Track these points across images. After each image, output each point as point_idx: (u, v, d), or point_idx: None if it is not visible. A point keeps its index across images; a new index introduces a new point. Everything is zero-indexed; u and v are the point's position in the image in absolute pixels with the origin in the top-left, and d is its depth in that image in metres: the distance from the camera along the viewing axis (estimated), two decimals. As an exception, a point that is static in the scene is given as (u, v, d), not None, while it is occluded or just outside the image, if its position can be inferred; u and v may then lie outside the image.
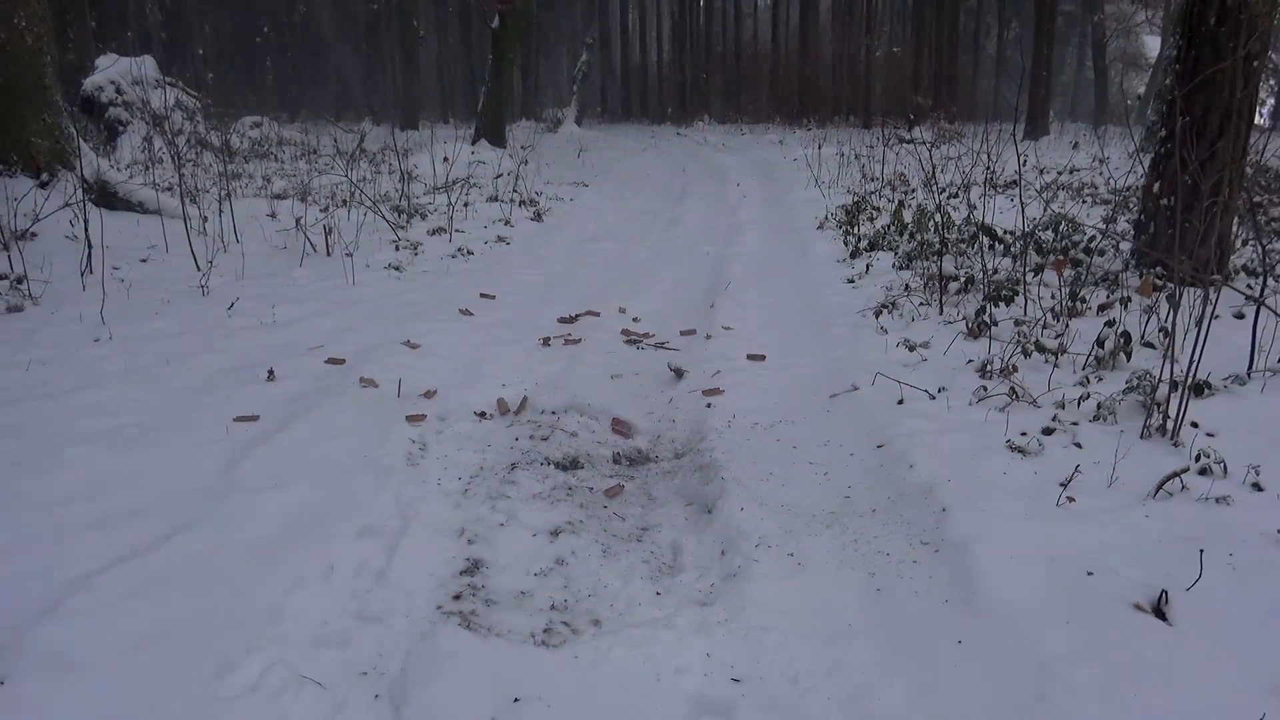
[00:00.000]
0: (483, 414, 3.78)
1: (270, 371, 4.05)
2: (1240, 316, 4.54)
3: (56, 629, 2.14)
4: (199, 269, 5.83)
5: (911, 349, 4.35)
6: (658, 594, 2.51)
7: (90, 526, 2.68)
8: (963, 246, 6.23)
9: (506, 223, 8.45)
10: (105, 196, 7.11)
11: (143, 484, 2.98)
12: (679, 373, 4.29)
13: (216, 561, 2.50)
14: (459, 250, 7.10)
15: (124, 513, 2.77)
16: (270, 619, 2.28)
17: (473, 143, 15.10)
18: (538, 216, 9.02)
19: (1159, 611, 2.27)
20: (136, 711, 1.93)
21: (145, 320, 4.88)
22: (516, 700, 2.03)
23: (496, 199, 9.69)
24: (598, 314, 5.36)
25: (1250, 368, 3.75)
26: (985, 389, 3.75)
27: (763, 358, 4.44)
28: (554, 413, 3.78)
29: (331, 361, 4.29)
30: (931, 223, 6.82)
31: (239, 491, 2.91)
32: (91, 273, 5.61)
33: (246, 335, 4.69)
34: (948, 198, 8.33)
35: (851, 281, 5.99)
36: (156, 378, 4.02)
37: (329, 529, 2.72)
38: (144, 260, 6.19)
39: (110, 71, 12.09)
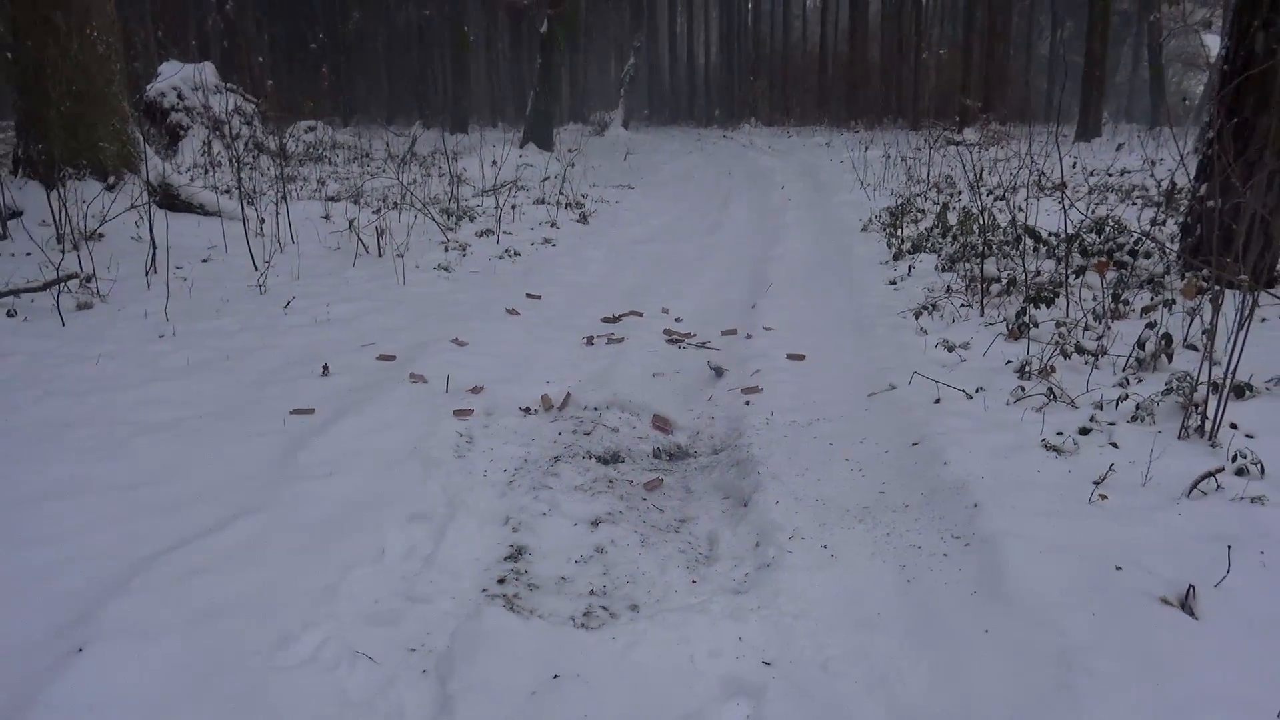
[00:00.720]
0: (527, 409, 3.90)
1: (325, 367, 4.22)
2: (1288, 320, 4.50)
3: (129, 602, 2.29)
4: (257, 269, 6.05)
5: (951, 349, 4.39)
6: (693, 582, 2.60)
7: (157, 509, 2.85)
8: (1006, 249, 6.22)
9: (553, 225, 8.60)
10: (168, 199, 7.38)
11: (206, 471, 3.14)
12: (719, 371, 4.37)
13: (275, 543, 2.65)
14: (506, 251, 7.26)
15: (188, 497, 2.94)
16: (325, 597, 2.41)
17: (520, 146, 15.31)
18: (583, 219, 9.16)
19: (1186, 606, 2.31)
20: (202, 677, 2.07)
21: (206, 317, 5.08)
22: (556, 677, 2.14)
23: (543, 201, 9.84)
24: (641, 314, 5.46)
25: (1294, 370, 3.73)
26: (1023, 389, 3.78)
27: (802, 357, 4.51)
28: (596, 409, 3.89)
29: (383, 358, 4.45)
30: (975, 225, 6.81)
31: (296, 479, 3.06)
32: (155, 272, 5.85)
33: (302, 332, 4.88)
34: (993, 200, 8.30)
35: (893, 283, 6.02)
36: (217, 372, 4.21)
37: (381, 515, 2.85)
38: (205, 260, 6.43)
39: (173, 78, 12.50)
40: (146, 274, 5.83)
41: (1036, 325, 4.55)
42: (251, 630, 2.25)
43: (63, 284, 5.24)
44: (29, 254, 6.05)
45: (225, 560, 2.53)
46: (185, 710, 1.97)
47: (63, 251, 5.98)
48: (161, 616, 2.25)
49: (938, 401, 3.75)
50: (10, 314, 4.94)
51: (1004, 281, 5.37)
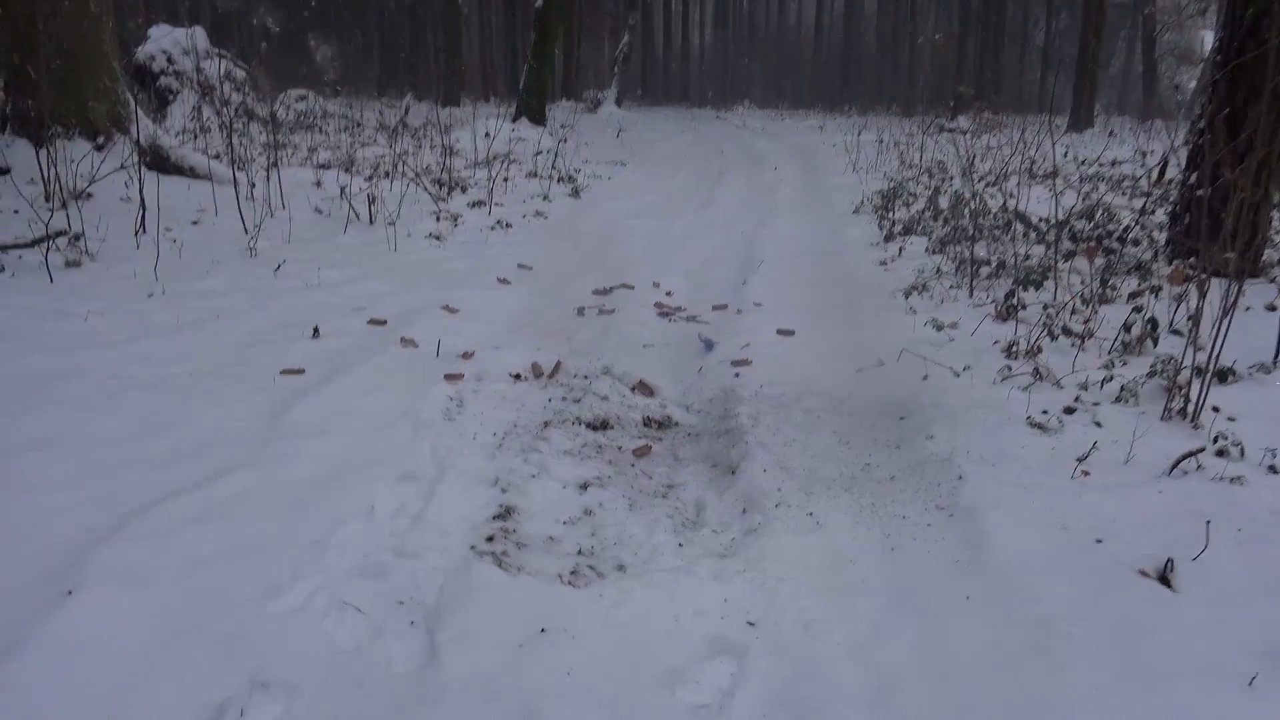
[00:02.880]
0: (518, 376, 3.91)
1: (315, 329, 4.21)
2: (1272, 309, 4.55)
3: (120, 549, 2.30)
4: (247, 232, 6.02)
5: (939, 329, 4.42)
6: (680, 545, 2.63)
7: (148, 462, 2.85)
8: (997, 233, 6.26)
9: (545, 198, 8.58)
10: (158, 160, 7.32)
11: (196, 427, 3.14)
12: (709, 344, 4.39)
13: (265, 498, 2.66)
14: (498, 223, 7.24)
15: (179, 451, 2.94)
16: (315, 550, 2.43)
17: (513, 120, 15.22)
18: (575, 193, 9.14)
19: (1164, 578, 2.35)
20: (192, 623, 2.08)
21: (196, 278, 5.06)
22: (543, 631, 2.16)
23: (536, 175, 9.81)
24: (632, 287, 5.47)
25: (1276, 357, 3.78)
26: (1010, 369, 3.82)
27: (792, 333, 4.53)
28: (587, 377, 3.91)
29: (373, 322, 4.44)
30: (966, 209, 6.85)
31: (286, 437, 3.07)
32: (145, 232, 5.81)
33: (292, 295, 4.86)
34: (985, 186, 8.33)
35: (884, 264, 6.05)
36: (207, 331, 4.20)
37: (370, 473, 2.87)
38: (194, 222, 6.39)
39: (162, 41, 12.34)
40: (136, 234, 5.79)
41: (1024, 307, 4.59)
42: (241, 579, 2.26)
43: (51, 241, 5.20)
44: (16, 211, 5.99)
45: (215, 512, 2.54)
46: (175, 652, 1.99)
47: (51, 210, 5.92)
48: (152, 563, 2.26)
49: (925, 378, 3.79)
50: (-2, 269, 4.91)
51: (993, 264, 5.40)
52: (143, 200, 5.90)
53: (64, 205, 5.98)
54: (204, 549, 2.36)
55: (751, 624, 2.25)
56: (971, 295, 5.03)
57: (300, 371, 3.71)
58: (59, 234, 5.31)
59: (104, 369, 3.62)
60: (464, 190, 8.49)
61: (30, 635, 1.97)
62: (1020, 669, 2.05)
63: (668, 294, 5.42)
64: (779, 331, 4.55)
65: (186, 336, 4.09)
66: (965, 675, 2.05)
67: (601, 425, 3.45)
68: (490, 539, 2.60)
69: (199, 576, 2.24)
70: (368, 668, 2.05)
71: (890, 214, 7.58)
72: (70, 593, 2.10)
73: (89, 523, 2.45)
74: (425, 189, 7.97)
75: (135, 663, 1.95)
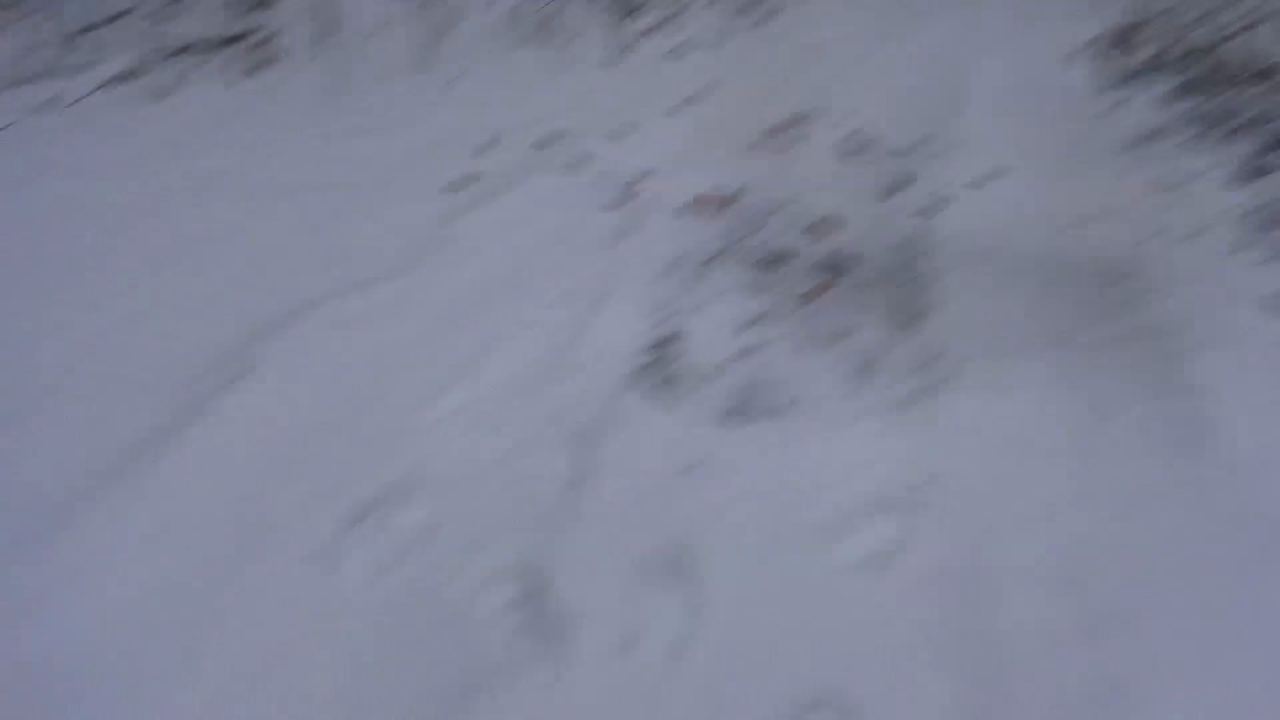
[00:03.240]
0: (688, 205, 3.70)
1: (484, 145, 4.11)
2: None
3: (284, 342, 2.35)
4: (427, 45, 5.92)
5: (1167, 187, 3.87)
6: (847, 395, 2.42)
7: (311, 263, 2.87)
8: (1252, 82, 5.39)
9: (728, 25, 8.06)
10: (344, -31, 7.26)
11: (360, 232, 3.13)
12: (899, 185, 4.01)
13: (423, 305, 2.63)
14: (676, 48, 6.86)
15: (342, 254, 2.94)
16: (469, 364, 2.39)
17: (703, -57, 14.36)
18: (764, 19, 8.54)
19: None
20: (343, 422, 2.10)
21: (373, 88, 5.04)
22: (694, 467, 2.04)
23: (717, 1, 9.23)
24: (817, 120, 5.06)
25: None
26: (1248, 239, 3.30)
27: (994, 180, 4.07)
28: (761, 212, 3.65)
29: (542, 142, 4.30)
30: (1217, 51, 5.92)
31: (447, 247, 3.02)
32: (326, 40, 5.81)
33: (465, 110, 4.77)
34: (1249, 26, 7.19)
35: (1111, 111, 5.35)
36: (379, 142, 4.17)
37: (529, 291, 2.79)
38: (377, 30, 6.35)
39: None
40: (317, 42, 5.80)
41: (1275, 171, 3.95)
42: (395, 385, 2.26)
43: (238, 42, 5.27)
44: (208, 16, 6.11)
45: (375, 314, 2.54)
46: (325, 448, 2.01)
47: (239, 12, 6.00)
48: (314, 359, 2.31)
49: (1144, 242, 3.33)
50: (181, 72, 5.03)
51: (1245, 117, 4.66)
52: (325, 8, 5.88)
53: (253, 9, 6.04)
54: (362, 350, 2.36)
55: (919, 485, 2.05)
56: (1210, 153, 4.37)
57: (465, 186, 3.64)
58: (246, 34, 5.37)
59: (275, 171, 3.66)
60: (644, 12, 8.08)
61: (207, 406, 2.02)
62: (1236, 571, 1.78)
63: (856, 130, 4.99)
64: (978, 178, 4.10)
65: (357, 144, 4.08)
66: (1167, 569, 1.80)
67: (773, 263, 3.22)
68: (644, 369, 2.47)
69: (354, 375, 2.25)
70: (512, 484, 2.00)
71: (1124, 56, 6.68)
72: (234, 380, 2.13)
73: (258, 316, 2.49)
74: (602, 12, 7.61)
75: (289, 452, 1.98)
